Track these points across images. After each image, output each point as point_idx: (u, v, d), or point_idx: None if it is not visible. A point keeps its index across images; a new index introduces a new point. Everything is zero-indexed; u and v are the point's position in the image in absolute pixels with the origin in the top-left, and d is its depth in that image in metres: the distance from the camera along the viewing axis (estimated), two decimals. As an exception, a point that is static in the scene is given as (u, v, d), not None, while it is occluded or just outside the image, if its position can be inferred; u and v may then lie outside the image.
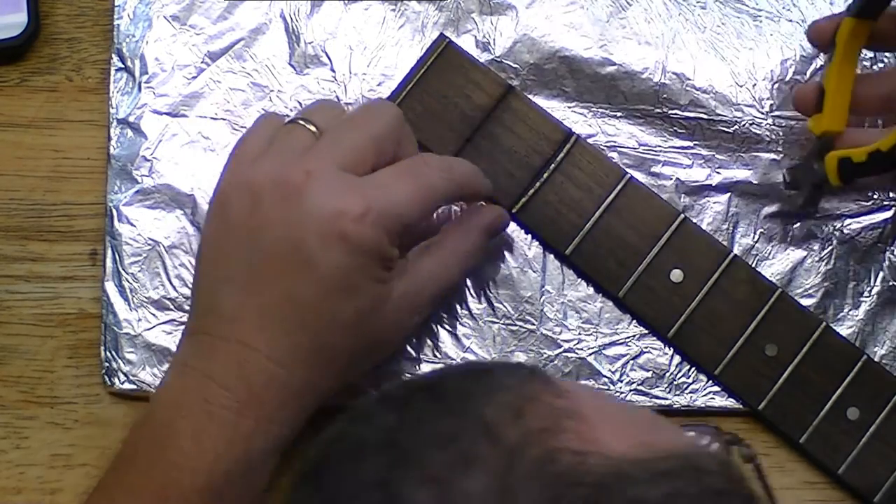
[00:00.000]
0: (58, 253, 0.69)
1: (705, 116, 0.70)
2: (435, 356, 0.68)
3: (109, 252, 0.68)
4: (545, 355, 0.67)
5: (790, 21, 0.71)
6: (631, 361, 0.67)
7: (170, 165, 0.69)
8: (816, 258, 0.68)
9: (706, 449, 0.47)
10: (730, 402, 0.67)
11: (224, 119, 0.70)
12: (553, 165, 0.67)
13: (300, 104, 0.70)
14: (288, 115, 0.66)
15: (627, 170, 0.68)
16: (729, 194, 0.69)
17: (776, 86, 0.70)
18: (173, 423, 0.58)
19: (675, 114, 0.70)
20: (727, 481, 0.41)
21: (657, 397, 0.67)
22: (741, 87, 0.70)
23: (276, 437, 0.59)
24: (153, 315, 0.68)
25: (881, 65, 0.70)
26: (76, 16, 0.72)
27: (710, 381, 0.67)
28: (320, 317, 0.58)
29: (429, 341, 0.68)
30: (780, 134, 0.69)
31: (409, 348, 0.68)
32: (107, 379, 0.67)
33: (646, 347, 0.68)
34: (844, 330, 0.68)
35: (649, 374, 0.67)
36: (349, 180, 0.58)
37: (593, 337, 0.68)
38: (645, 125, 0.70)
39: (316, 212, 0.57)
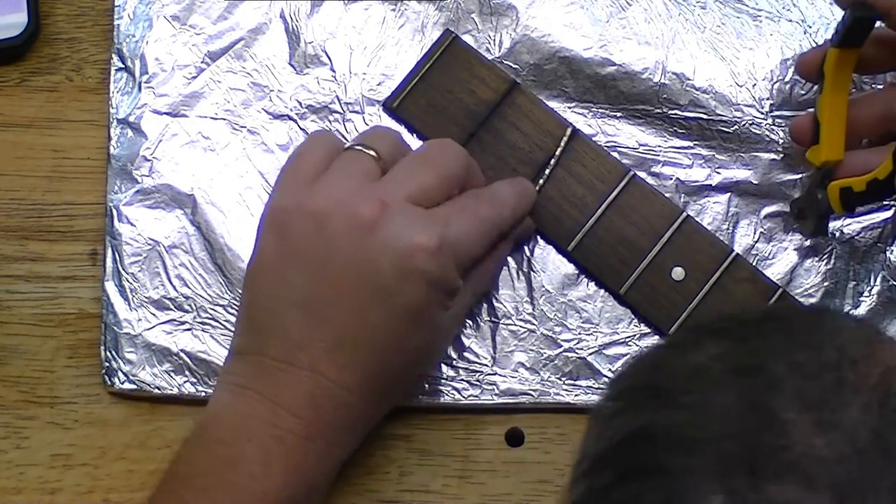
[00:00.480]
0: (58, 253, 0.69)
1: (705, 116, 0.70)
2: (435, 356, 0.68)
3: (109, 252, 0.68)
4: (545, 355, 0.67)
5: (790, 21, 0.71)
6: (631, 361, 0.67)
7: (170, 165, 0.69)
8: (816, 258, 0.69)
9: None
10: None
11: (224, 119, 0.70)
12: (556, 162, 0.67)
13: (300, 104, 0.70)
14: (343, 137, 0.68)
15: (627, 170, 0.68)
16: (729, 194, 0.69)
17: (776, 86, 0.70)
18: (239, 445, 0.58)
19: (675, 114, 0.70)
20: None
21: (658, 397, 0.67)
22: (741, 87, 0.70)
23: (338, 461, 0.61)
24: (153, 315, 0.68)
25: (881, 86, 0.70)
26: (76, 16, 0.72)
27: (711, 381, 0.67)
28: (389, 346, 0.60)
29: (429, 341, 0.68)
30: (780, 134, 0.69)
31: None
32: (107, 379, 0.67)
33: (646, 347, 0.67)
34: (845, 329, 0.68)
35: (650, 374, 0.67)
36: (422, 214, 0.60)
37: (593, 337, 0.68)
38: (645, 125, 0.70)
39: (391, 244, 0.58)
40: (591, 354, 0.67)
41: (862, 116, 0.66)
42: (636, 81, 0.70)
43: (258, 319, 0.61)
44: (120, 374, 0.67)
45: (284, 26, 0.71)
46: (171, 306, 0.68)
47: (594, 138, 0.69)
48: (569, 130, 0.68)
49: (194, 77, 0.70)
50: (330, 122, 0.70)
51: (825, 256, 0.68)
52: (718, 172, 0.69)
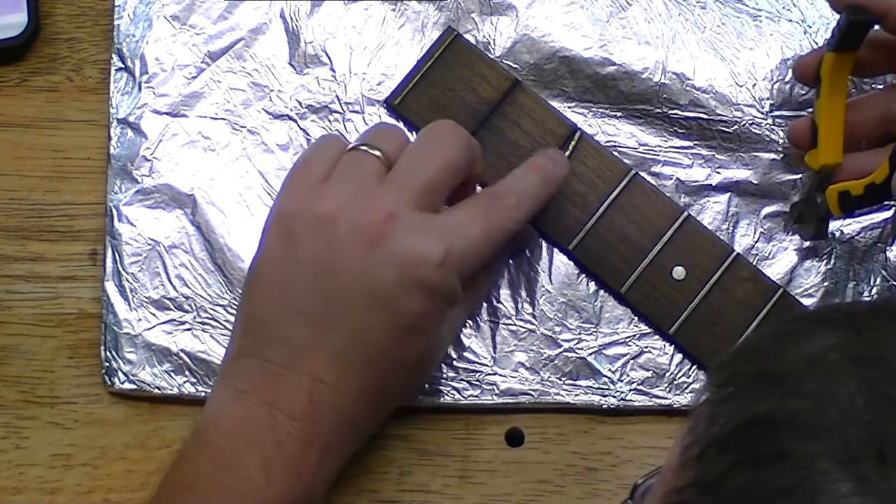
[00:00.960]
0: (58, 253, 0.69)
1: (705, 116, 0.70)
2: (435, 355, 0.68)
3: (109, 252, 0.68)
4: (545, 355, 0.67)
5: (790, 21, 0.71)
6: (631, 361, 0.67)
7: (170, 165, 0.69)
8: (816, 258, 0.69)
9: None
10: (731, 402, 0.67)
11: (224, 119, 0.70)
12: (557, 160, 0.67)
13: (300, 104, 0.70)
14: (344, 137, 0.68)
15: (627, 170, 0.68)
16: (729, 194, 0.69)
17: (776, 86, 0.70)
18: (239, 451, 0.58)
19: (675, 114, 0.70)
20: None
21: (657, 397, 0.67)
22: (741, 87, 0.70)
23: (335, 469, 0.61)
24: (153, 315, 0.67)
25: (881, 87, 0.70)
26: (76, 16, 0.72)
27: (711, 381, 0.67)
28: (388, 356, 0.60)
29: (429, 341, 0.68)
30: (780, 134, 0.69)
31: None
32: (107, 379, 0.67)
33: (646, 347, 0.68)
34: (845, 329, 0.68)
35: (649, 374, 0.67)
36: (428, 223, 0.60)
37: (593, 337, 0.68)
38: (645, 125, 0.70)
39: (397, 257, 0.58)
40: (591, 354, 0.67)
41: (861, 118, 0.66)
42: (636, 81, 0.70)
43: (259, 322, 0.61)
44: (120, 374, 0.67)
45: (284, 26, 0.71)
46: (171, 306, 0.68)
47: (594, 138, 0.69)
48: (570, 129, 0.68)
49: (194, 77, 0.70)
50: (330, 121, 0.70)
51: (825, 256, 0.69)
52: (718, 172, 0.69)
